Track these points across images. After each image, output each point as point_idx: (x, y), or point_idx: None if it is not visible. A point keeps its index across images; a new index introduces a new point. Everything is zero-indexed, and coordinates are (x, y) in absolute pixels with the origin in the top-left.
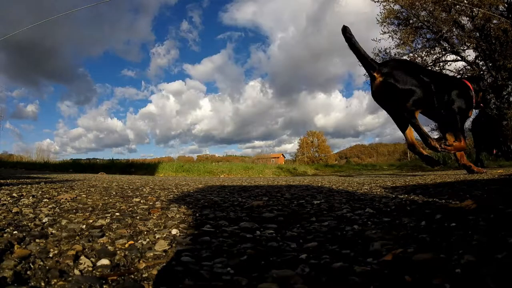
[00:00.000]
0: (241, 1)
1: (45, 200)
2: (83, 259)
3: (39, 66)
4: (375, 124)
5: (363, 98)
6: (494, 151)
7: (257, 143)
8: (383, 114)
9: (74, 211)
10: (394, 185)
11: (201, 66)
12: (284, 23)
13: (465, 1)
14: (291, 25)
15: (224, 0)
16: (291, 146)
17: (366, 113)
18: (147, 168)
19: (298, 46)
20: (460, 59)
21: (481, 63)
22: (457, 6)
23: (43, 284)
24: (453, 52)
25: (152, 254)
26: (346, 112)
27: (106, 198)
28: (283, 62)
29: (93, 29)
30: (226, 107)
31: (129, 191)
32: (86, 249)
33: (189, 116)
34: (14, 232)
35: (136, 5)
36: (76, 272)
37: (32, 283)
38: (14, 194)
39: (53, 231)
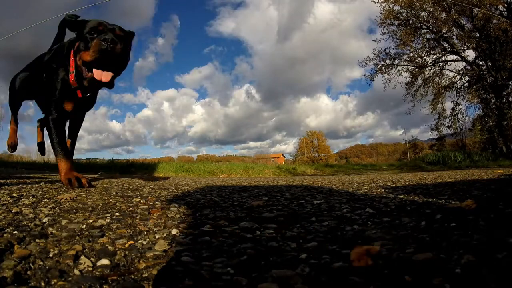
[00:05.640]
0: (222, 17)
1: (45, 200)
2: (83, 259)
3: None
4: (366, 125)
5: (352, 100)
6: None
7: (252, 144)
8: (372, 116)
9: (74, 211)
10: (394, 185)
11: (190, 75)
12: (261, 36)
13: (465, 1)
14: (267, 37)
15: (208, 16)
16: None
17: (355, 114)
18: (147, 168)
19: (276, 56)
20: (460, 59)
21: (481, 63)
22: (457, 6)
23: (43, 284)
24: (453, 52)
25: (152, 254)
26: (335, 114)
27: (106, 198)
28: (266, 70)
29: None
30: (217, 111)
31: (129, 191)
32: (86, 249)
33: (184, 119)
34: (14, 232)
35: (127, 11)
36: (76, 272)
37: (32, 283)
38: (14, 194)
39: (53, 231)
